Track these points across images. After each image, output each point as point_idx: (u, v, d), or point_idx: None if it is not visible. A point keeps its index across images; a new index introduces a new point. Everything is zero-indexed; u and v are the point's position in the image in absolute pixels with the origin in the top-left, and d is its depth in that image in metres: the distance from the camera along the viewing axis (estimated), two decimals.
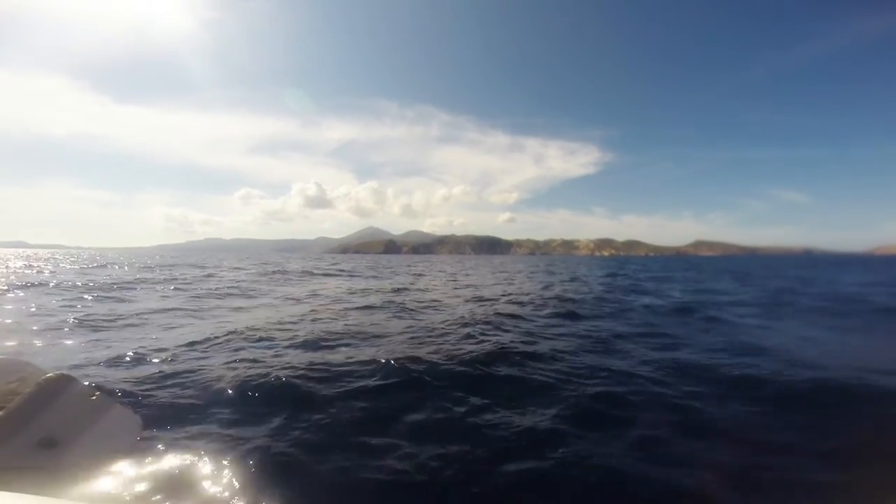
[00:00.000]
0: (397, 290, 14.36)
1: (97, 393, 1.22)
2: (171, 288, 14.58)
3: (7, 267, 27.14)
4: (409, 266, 41.00)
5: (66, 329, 7.27)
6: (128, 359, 5.22)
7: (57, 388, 1.17)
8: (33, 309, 9.33)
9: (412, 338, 6.73)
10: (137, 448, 2.72)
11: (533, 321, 8.50)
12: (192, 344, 6.20)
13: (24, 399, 1.09)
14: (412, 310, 9.76)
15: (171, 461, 2.78)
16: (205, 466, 2.74)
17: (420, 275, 25.71)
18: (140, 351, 5.56)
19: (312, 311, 9.48)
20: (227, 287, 15.06)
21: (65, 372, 1.25)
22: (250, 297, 12.66)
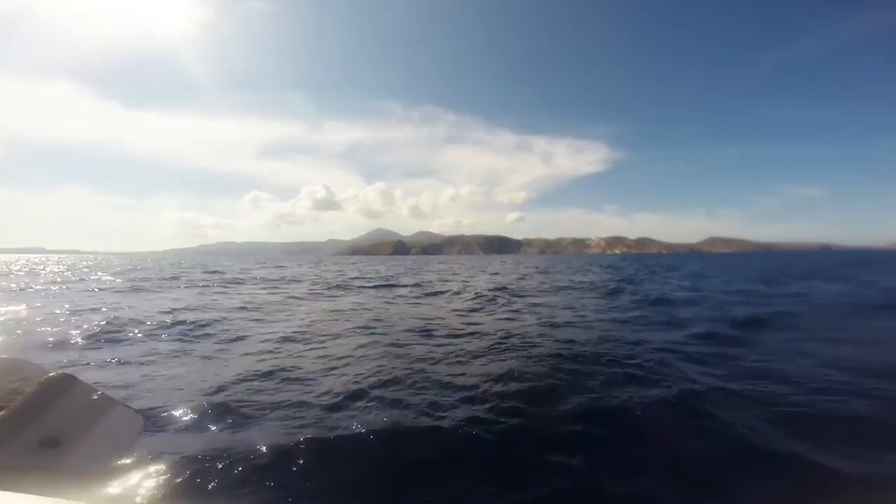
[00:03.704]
0: None
1: (99, 392, 1.24)
2: None
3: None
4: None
5: None
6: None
7: (59, 388, 1.19)
8: None
9: None
10: (140, 447, 2.67)
11: None
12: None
13: (27, 398, 1.11)
14: None
15: (174, 461, 2.76)
16: (208, 466, 2.73)
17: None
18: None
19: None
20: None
21: (67, 371, 1.26)
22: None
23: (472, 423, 3.32)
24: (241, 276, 22.10)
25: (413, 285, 16.89)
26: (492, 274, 25.82)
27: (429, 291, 14.47)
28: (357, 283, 17.99)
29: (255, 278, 21.16)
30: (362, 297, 12.82)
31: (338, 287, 15.80)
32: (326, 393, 4.04)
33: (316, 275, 23.13)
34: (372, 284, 17.02)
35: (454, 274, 26.34)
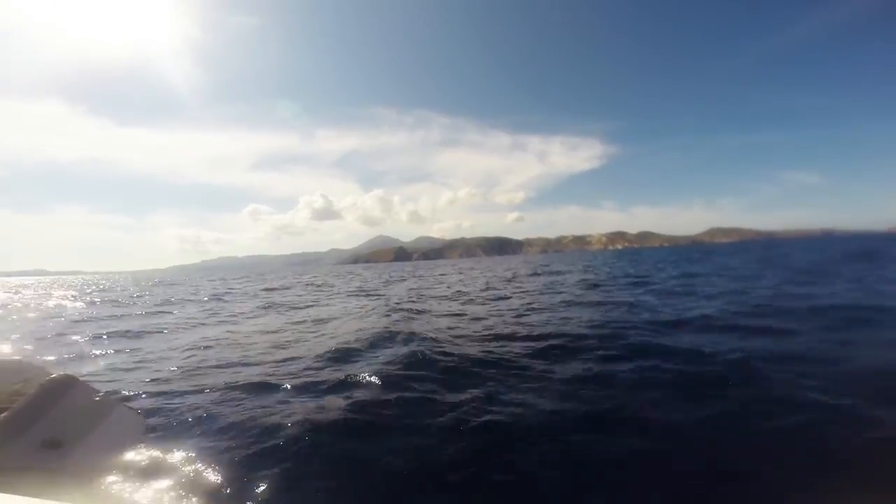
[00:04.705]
0: None
1: (101, 394, 1.20)
2: None
3: None
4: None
5: None
6: None
7: (61, 389, 1.16)
8: None
9: None
10: (141, 449, 2.74)
11: None
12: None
13: (29, 400, 1.09)
14: None
15: (175, 462, 2.76)
16: (209, 467, 2.72)
17: None
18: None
19: None
20: None
21: (69, 373, 1.23)
22: None
23: None
24: (183, 298, 18.96)
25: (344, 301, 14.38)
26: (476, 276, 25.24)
27: (345, 308, 12.10)
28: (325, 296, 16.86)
29: (207, 297, 18.53)
30: (270, 318, 10.75)
31: (275, 306, 13.74)
32: None
33: (267, 295, 18.87)
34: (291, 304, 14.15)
35: (416, 278, 25.79)
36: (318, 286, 24.31)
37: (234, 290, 22.35)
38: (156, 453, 2.85)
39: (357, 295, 16.58)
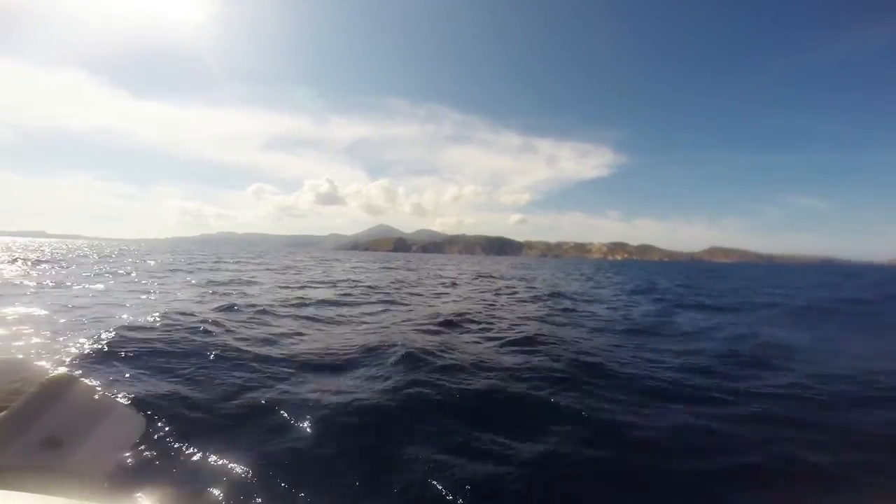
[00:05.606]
0: None
1: (100, 392, 1.16)
2: None
3: None
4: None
5: None
6: None
7: (60, 388, 1.14)
8: None
9: None
10: (140, 447, 2.72)
11: None
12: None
13: (28, 399, 1.07)
14: None
15: (174, 460, 2.77)
16: (208, 466, 2.73)
17: None
18: None
19: None
20: None
21: (67, 372, 1.15)
22: None
23: None
24: (126, 271, 17.93)
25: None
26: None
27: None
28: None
29: (148, 271, 17.84)
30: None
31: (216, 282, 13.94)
32: None
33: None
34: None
35: (402, 269, 25.32)
36: (285, 270, 23.54)
37: (184, 268, 21.21)
38: (155, 452, 2.82)
39: (319, 286, 15.63)
